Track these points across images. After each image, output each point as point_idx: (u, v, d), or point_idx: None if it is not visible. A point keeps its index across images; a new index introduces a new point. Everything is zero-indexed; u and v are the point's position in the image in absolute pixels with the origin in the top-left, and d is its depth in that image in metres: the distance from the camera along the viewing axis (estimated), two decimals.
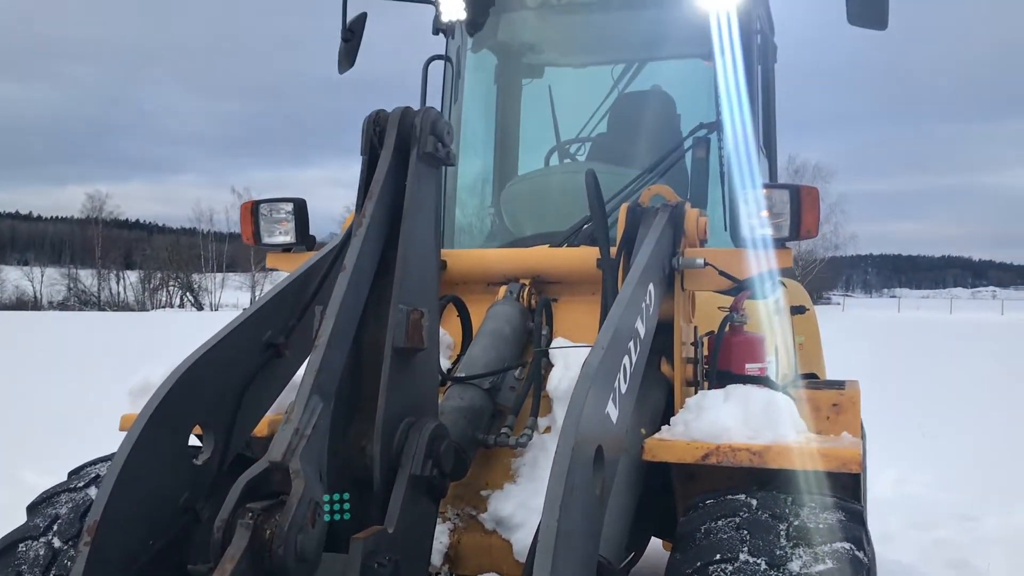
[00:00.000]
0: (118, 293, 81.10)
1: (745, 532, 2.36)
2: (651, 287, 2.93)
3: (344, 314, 2.31)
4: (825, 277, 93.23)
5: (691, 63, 4.62)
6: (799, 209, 3.06)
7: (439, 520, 2.90)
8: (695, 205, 3.32)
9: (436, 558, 2.87)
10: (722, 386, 3.18)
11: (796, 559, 2.25)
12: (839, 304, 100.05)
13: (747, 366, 3.22)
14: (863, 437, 4.77)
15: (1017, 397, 14.68)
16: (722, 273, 3.13)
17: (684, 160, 4.16)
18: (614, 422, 2.43)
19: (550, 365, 3.20)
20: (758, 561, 2.26)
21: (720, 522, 2.43)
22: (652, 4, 4.58)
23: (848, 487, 2.71)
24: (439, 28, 4.66)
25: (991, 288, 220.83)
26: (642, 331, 2.77)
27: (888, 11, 3.69)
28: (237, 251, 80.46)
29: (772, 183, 3.10)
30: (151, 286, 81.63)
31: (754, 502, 2.51)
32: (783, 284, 5.17)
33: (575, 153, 4.74)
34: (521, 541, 2.83)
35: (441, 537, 2.91)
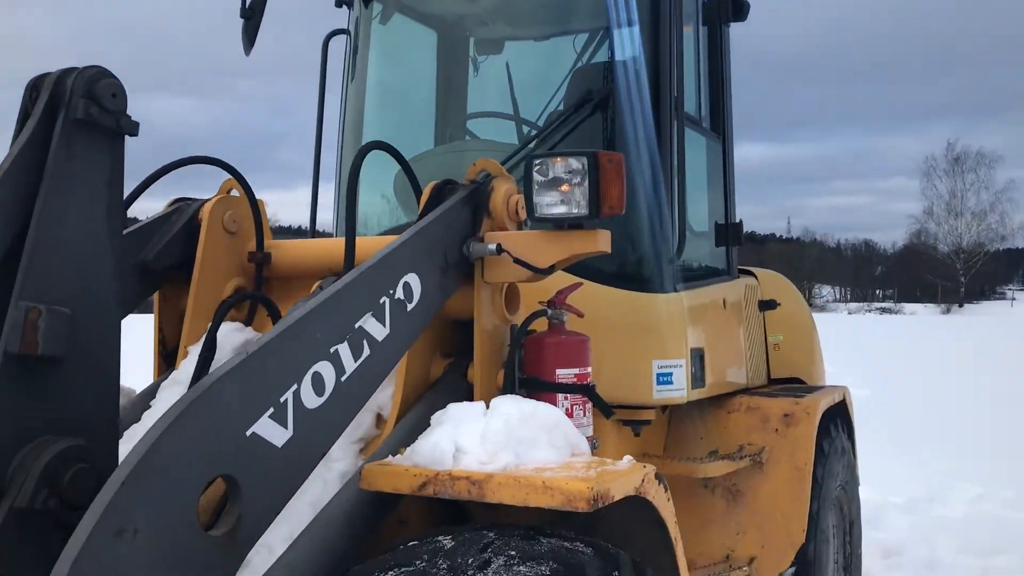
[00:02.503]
0: None
1: None
2: (412, 278, 2.44)
3: None
4: (995, 271, 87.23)
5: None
6: (598, 180, 2.49)
7: None
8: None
9: None
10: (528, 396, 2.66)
11: None
12: (1011, 299, 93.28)
13: (558, 372, 2.66)
14: (833, 453, 4.07)
15: None
16: (517, 261, 2.59)
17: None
18: (278, 445, 1.97)
19: None
20: None
21: (389, 574, 1.93)
22: None
23: (603, 526, 2.15)
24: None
25: None
26: (378, 332, 2.29)
27: None
28: None
29: (572, 150, 2.54)
30: None
31: (446, 544, 1.99)
32: (751, 275, 4.51)
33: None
34: None
35: None
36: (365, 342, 2.26)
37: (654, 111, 3.59)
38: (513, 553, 1.92)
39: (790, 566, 3.72)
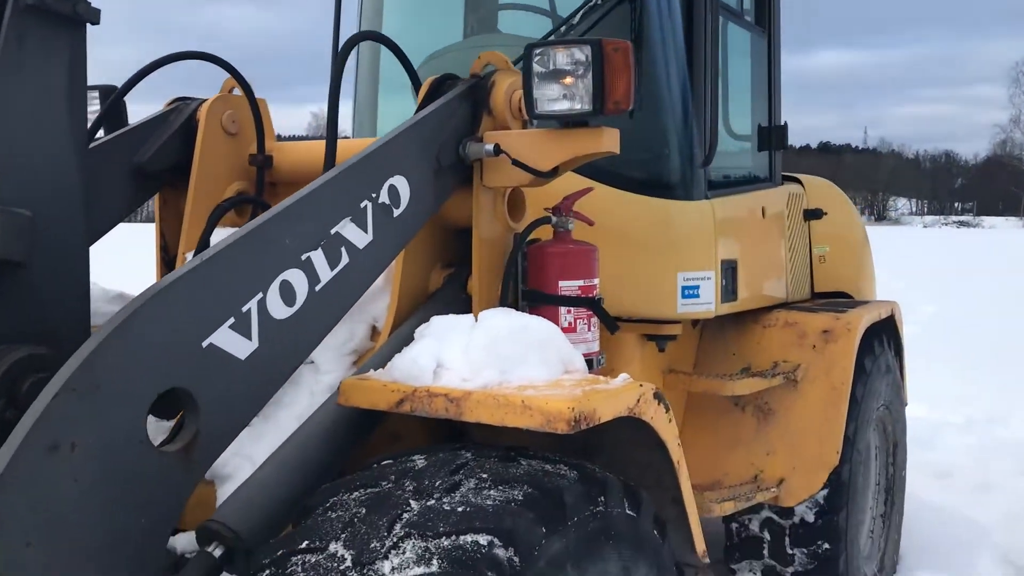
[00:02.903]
0: None
1: (362, 510, 1.73)
2: (399, 181, 2.27)
3: None
4: None
5: None
6: (603, 72, 2.26)
7: None
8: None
9: None
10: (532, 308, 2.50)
11: (395, 556, 1.60)
12: None
13: (561, 283, 2.48)
14: (876, 372, 3.85)
15: None
16: (516, 163, 2.39)
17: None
18: (241, 357, 1.85)
19: None
20: (345, 555, 1.63)
21: (354, 494, 1.81)
22: None
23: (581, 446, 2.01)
24: None
25: None
26: (359, 239, 2.14)
27: None
28: None
29: (575, 38, 2.30)
30: None
31: (419, 464, 1.86)
32: (797, 182, 4.23)
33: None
34: (226, 493, 2.31)
35: None
36: (343, 249, 2.11)
37: (684, 1, 3.31)
38: (485, 476, 1.79)
39: (822, 488, 3.54)
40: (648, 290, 3.25)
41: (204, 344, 1.79)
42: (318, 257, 2.04)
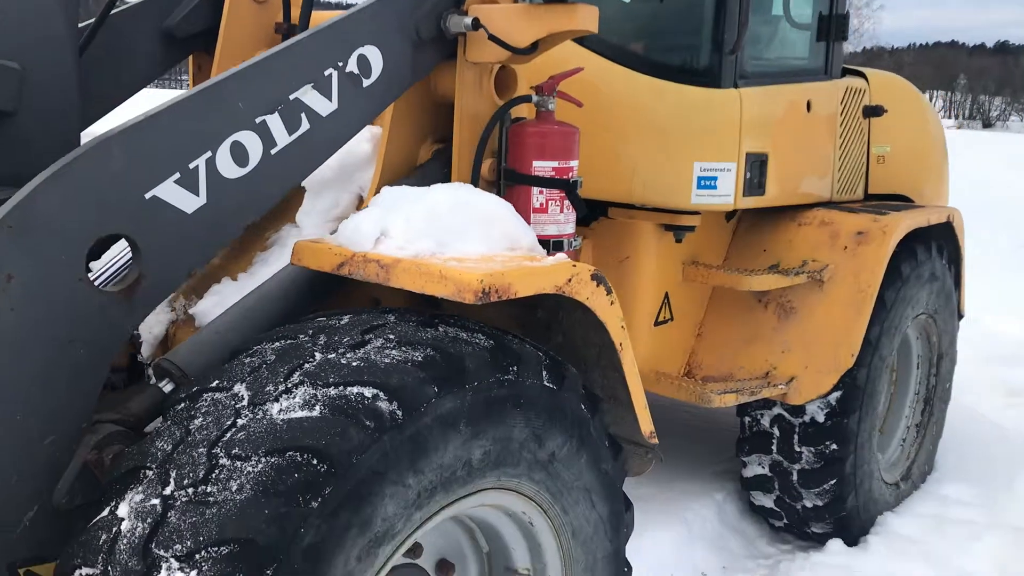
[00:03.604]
0: None
1: (272, 358, 1.87)
2: (370, 51, 2.33)
3: None
4: None
5: None
6: None
7: (166, 308, 2.66)
8: None
9: (146, 349, 2.64)
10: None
11: (285, 399, 1.74)
12: None
13: (535, 164, 2.50)
14: (916, 279, 3.73)
15: None
16: (492, 38, 2.40)
17: None
18: (188, 211, 2.00)
19: None
20: (242, 395, 1.78)
21: (275, 344, 1.95)
22: None
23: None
24: None
25: None
26: (321, 106, 2.23)
27: None
28: None
29: None
30: None
31: (342, 322, 1.98)
32: (861, 76, 4.05)
33: None
34: None
35: (155, 328, 2.65)
36: (303, 115, 2.20)
37: None
38: (392, 336, 1.89)
39: (835, 389, 3.51)
40: (662, 178, 3.23)
41: (147, 196, 1.93)
42: (274, 121, 2.14)
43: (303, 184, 2.65)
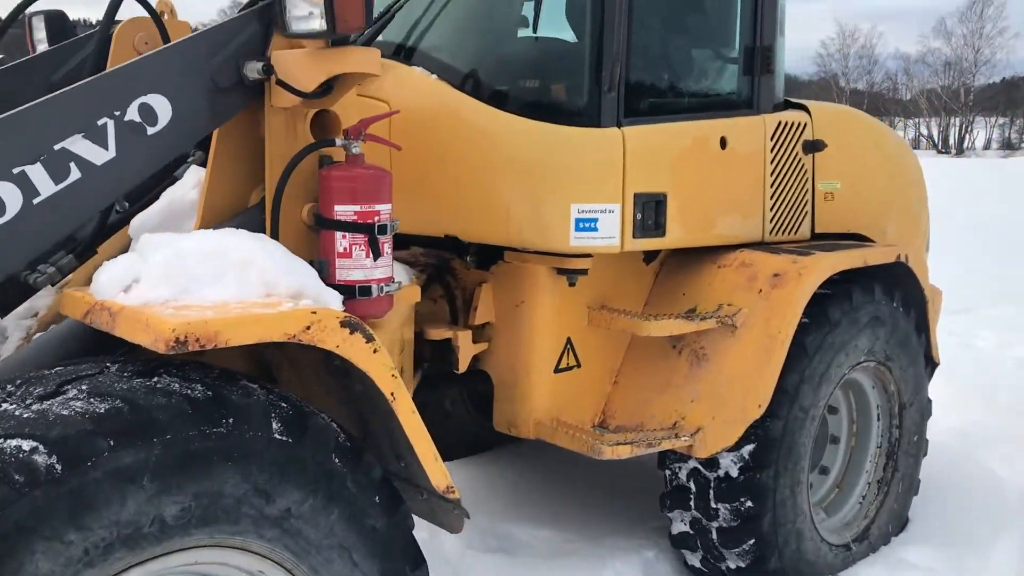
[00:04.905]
0: None
1: None
2: (156, 99, 2.33)
3: None
4: None
5: None
6: None
7: None
8: None
9: None
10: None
11: None
12: None
13: (336, 208, 2.44)
14: (849, 324, 3.48)
15: None
16: (280, 83, 2.37)
17: None
18: None
19: None
20: None
21: None
22: None
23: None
24: None
25: None
26: (95, 155, 2.24)
27: None
28: None
29: None
30: None
31: (53, 371, 1.96)
32: (802, 109, 3.86)
33: None
34: None
35: None
36: (73, 165, 2.20)
37: None
38: (86, 387, 1.86)
39: (747, 442, 3.29)
40: (538, 220, 3.12)
41: None
42: (36, 171, 2.15)
43: (128, 232, 2.68)
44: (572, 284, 3.30)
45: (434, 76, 3.22)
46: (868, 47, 70.30)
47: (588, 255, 3.21)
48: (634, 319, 3.38)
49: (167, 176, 2.80)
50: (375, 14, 3.01)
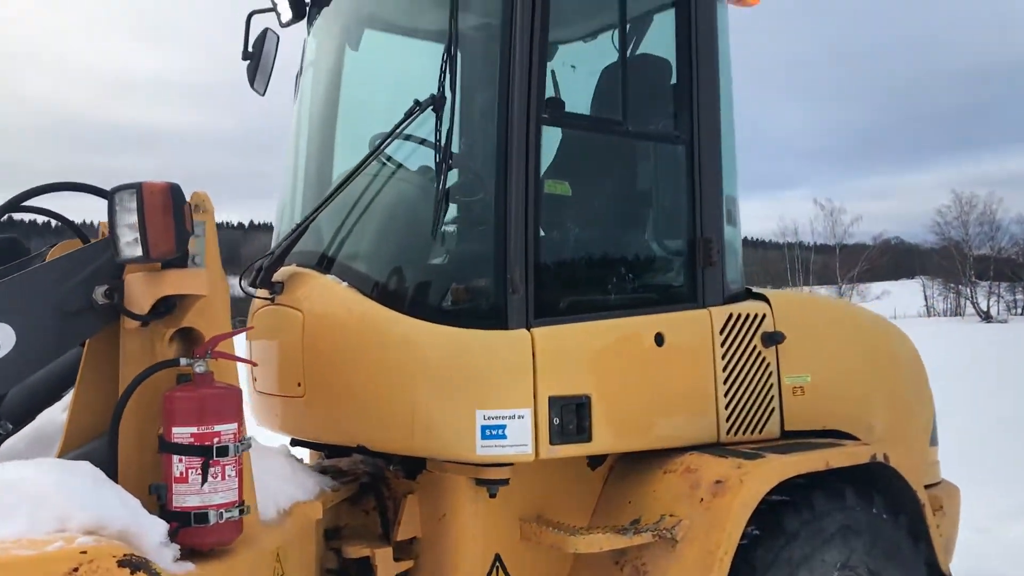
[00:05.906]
0: None
1: None
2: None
3: None
4: None
5: None
6: (144, 217, 2.20)
7: None
8: None
9: None
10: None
11: None
12: None
13: (174, 431, 2.36)
14: (810, 534, 3.14)
15: None
16: (117, 306, 2.37)
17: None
18: None
19: None
20: None
21: None
22: None
23: None
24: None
25: None
26: None
27: None
28: (825, 262, 78.82)
29: (131, 182, 2.21)
30: None
31: None
32: (761, 299, 3.66)
33: None
34: None
35: None
36: None
37: (503, 110, 3.04)
38: None
39: None
40: (442, 427, 2.97)
41: None
42: None
43: None
44: (492, 495, 3.09)
45: (344, 283, 3.19)
46: (988, 213, 68.82)
47: (508, 464, 3.02)
48: (561, 534, 3.12)
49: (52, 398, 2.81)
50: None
